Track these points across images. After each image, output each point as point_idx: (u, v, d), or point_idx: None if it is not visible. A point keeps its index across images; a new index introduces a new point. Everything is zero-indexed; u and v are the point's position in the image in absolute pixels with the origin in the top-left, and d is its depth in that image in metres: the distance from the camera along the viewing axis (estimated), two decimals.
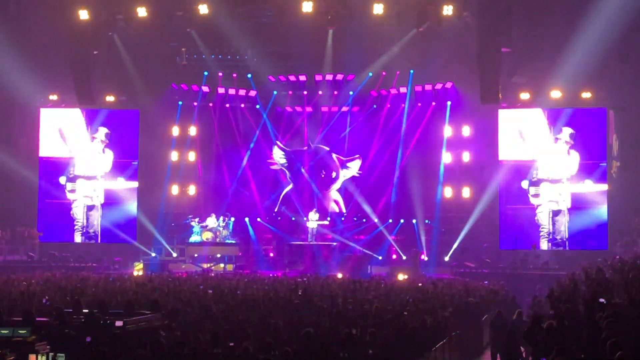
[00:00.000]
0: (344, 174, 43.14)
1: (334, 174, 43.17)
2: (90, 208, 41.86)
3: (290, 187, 43.37)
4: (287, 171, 43.44)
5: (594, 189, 38.01)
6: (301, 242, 41.26)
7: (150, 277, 30.00)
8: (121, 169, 41.73)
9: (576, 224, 38.24)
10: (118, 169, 41.77)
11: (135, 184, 41.63)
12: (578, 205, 38.36)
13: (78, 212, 41.79)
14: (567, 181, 38.44)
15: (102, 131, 41.71)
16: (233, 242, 41.12)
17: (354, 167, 43.01)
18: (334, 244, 41.12)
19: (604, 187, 37.92)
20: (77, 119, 41.69)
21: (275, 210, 43.32)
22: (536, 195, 38.93)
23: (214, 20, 36.64)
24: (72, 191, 41.87)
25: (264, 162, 43.43)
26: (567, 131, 38.53)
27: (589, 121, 38.54)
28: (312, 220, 41.27)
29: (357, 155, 42.90)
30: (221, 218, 41.37)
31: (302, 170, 43.10)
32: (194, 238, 40.97)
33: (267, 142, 43.36)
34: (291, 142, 43.48)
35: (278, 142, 43.34)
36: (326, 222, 41.83)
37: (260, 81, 42.24)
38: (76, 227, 41.70)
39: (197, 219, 41.29)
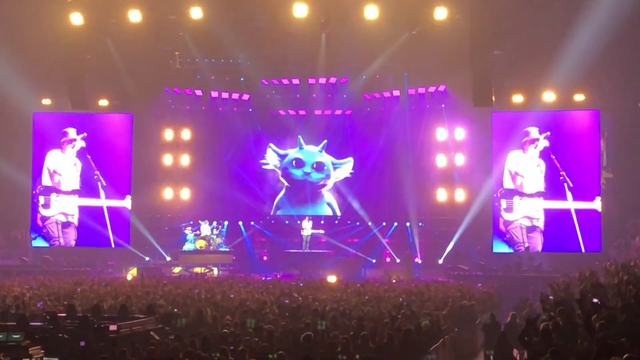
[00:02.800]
0: (336, 175, 43.17)
1: (326, 170, 43.14)
2: (65, 225, 41.58)
3: (283, 191, 43.41)
4: (279, 171, 43.48)
5: (582, 205, 38.09)
6: (295, 250, 41.22)
7: (142, 280, 29.97)
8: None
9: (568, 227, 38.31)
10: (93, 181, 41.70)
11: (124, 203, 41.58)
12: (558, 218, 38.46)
13: (52, 229, 41.59)
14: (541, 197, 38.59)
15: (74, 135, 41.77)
16: (226, 249, 41.07)
17: (346, 167, 43.07)
18: (328, 251, 41.14)
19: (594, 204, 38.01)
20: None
21: (271, 213, 43.31)
22: (508, 210, 38.98)
23: (207, 24, 36.56)
24: (46, 206, 41.60)
25: (257, 165, 43.47)
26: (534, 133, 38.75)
27: (581, 123, 38.61)
28: (306, 229, 41.25)
29: (350, 157, 42.96)
30: (214, 222, 41.36)
31: (294, 170, 43.09)
32: (188, 246, 40.90)
33: (260, 145, 43.40)
34: (285, 145, 43.54)
35: (271, 145, 43.38)
36: (322, 232, 41.85)
37: (254, 84, 42.27)
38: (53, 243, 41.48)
39: (189, 227, 41.23)
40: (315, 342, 15.79)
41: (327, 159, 43.12)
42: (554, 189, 38.26)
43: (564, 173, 38.03)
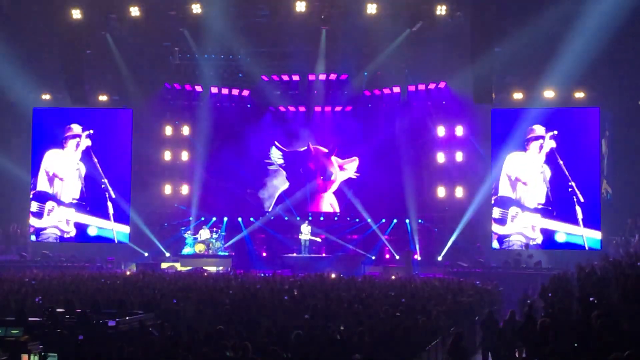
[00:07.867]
0: (341, 176, 43.11)
1: (333, 177, 43.11)
2: (62, 240, 41.50)
3: (285, 187, 43.33)
4: (284, 171, 43.38)
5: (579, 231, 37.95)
6: (295, 255, 40.98)
7: (142, 276, 29.93)
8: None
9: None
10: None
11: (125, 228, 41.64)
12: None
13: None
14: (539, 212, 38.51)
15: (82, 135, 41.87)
16: (226, 254, 40.96)
17: (350, 168, 43.00)
18: (328, 255, 40.98)
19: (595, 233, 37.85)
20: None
21: (269, 210, 43.21)
22: (501, 222, 38.94)
23: (207, 19, 36.59)
24: (39, 215, 41.45)
25: (256, 161, 43.35)
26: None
27: (581, 121, 38.59)
28: (305, 233, 41.01)
29: (355, 157, 42.87)
30: (213, 219, 41.29)
31: (299, 170, 43.06)
32: (187, 250, 40.77)
33: (260, 141, 43.25)
34: (284, 142, 43.46)
35: (276, 143, 43.26)
36: (319, 240, 41.68)
37: (254, 81, 42.20)
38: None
39: (189, 232, 41.16)
40: (310, 338, 15.75)
41: (335, 161, 43.03)
42: (559, 204, 38.21)
43: (573, 184, 37.96)
